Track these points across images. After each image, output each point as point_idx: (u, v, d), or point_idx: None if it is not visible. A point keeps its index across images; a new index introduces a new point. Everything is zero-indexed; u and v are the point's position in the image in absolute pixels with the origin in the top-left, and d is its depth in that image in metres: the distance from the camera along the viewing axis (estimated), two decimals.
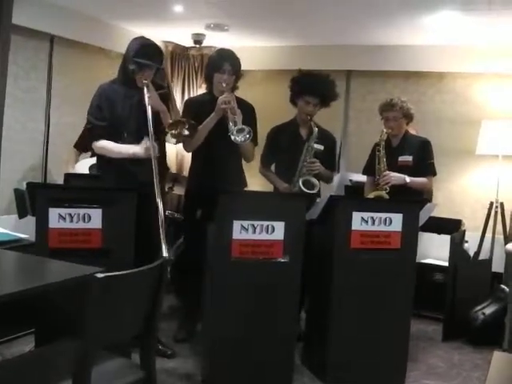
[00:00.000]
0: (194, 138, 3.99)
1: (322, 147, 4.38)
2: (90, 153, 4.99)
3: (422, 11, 4.55)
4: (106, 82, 3.87)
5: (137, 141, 3.66)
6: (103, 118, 3.72)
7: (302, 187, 4.18)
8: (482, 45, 5.40)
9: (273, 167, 4.58)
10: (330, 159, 4.50)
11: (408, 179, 4.26)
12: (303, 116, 4.39)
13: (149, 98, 3.62)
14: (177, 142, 3.86)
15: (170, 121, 3.72)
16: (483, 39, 5.26)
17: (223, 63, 4.06)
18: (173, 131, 3.69)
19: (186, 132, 3.71)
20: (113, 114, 3.71)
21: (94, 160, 4.68)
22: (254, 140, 4.21)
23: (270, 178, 4.55)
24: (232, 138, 3.87)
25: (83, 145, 4.99)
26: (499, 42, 5.25)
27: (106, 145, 3.71)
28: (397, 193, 4.21)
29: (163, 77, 4.09)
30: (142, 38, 3.87)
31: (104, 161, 3.81)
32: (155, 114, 3.66)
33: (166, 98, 3.92)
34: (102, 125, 3.71)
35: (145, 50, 3.70)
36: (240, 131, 3.89)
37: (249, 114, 4.15)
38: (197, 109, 4.03)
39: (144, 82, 3.66)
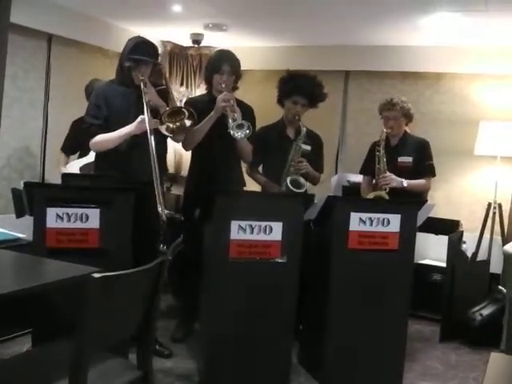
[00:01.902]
0: (194, 133, 4.00)
1: (309, 148, 4.38)
2: (77, 154, 4.99)
3: (420, 12, 4.56)
4: (103, 82, 3.87)
5: (135, 140, 3.65)
6: (100, 116, 3.72)
7: (290, 186, 4.18)
8: (480, 45, 5.41)
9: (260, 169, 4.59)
10: (317, 160, 4.50)
11: (405, 183, 4.27)
12: (290, 116, 4.40)
13: (146, 94, 3.63)
14: (177, 133, 3.77)
15: (167, 109, 3.67)
16: (481, 40, 5.27)
17: (222, 64, 4.07)
18: (172, 124, 3.66)
19: (188, 122, 3.68)
20: (111, 112, 3.71)
21: (84, 161, 4.68)
22: (252, 141, 4.21)
23: (257, 179, 4.54)
24: (231, 133, 3.87)
25: (70, 147, 4.99)
26: (497, 42, 5.26)
27: (100, 138, 3.71)
28: (395, 194, 4.22)
29: (161, 75, 4.08)
30: (138, 36, 3.89)
31: (102, 161, 3.81)
32: (154, 111, 3.65)
33: (165, 94, 3.92)
34: (98, 123, 3.71)
35: (139, 46, 3.73)
36: (239, 127, 3.89)
37: (248, 115, 4.16)
38: (197, 109, 4.02)
39: (141, 78, 3.66)
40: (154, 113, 3.65)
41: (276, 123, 4.55)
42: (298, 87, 4.34)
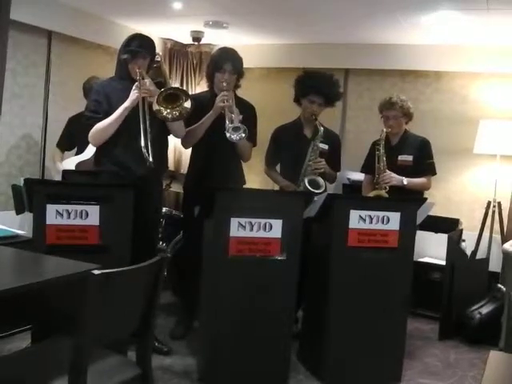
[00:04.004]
0: (193, 131, 4.00)
1: (326, 147, 4.39)
2: (73, 151, 4.99)
3: (421, 10, 4.55)
4: (103, 79, 3.87)
5: (134, 134, 3.66)
6: (100, 111, 3.71)
7: (308, 186, 4.17)
8: (480, 44, 5.40)
9: (278, 168, 4.59)
10: (334, 159, 4.50)
11: (405, 181, 4.26)
12: (307, 115, 4.40)
13: (143, 85, 3.63)
14: (179, 119, 3.78)
15: (165, 88, 3.65)
16: (481, 39, 5.26)
17: (224, 63, 4.08)
18: (171, 109, 3.65)
19: (187, 104, 3.66)
20: (111, 108, 3.70)
21: (80, 158, 4.68)
22: (253, 140, 4.22)
23: (274, 179, 4.55)
24: (227, 135, 3.89)
25: (65, 143, 5.00)
26: (497, 41, 5.25)
27: (98, 125, 3.69)
28: (395, 192, 4.22)
29: (160, 73, 4.07)
30: (135, 33, 3.89)
31: (102, 156, 3.80)
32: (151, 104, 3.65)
33: (163, 87, 3.92)
34: (98, 117, 3.69)
35: (136, 39, 3.75)
36: (235, 129, 3.91)
37: (249, 114, 4.17)
38: (197, 106, 4.02)
39: (138, 70, 3.67)
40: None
41: (293, 122, 4.56)
42: (315, 86, 4.35)
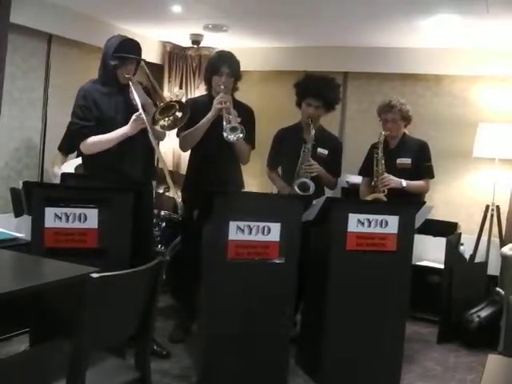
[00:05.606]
0: (191, 134, 4.02)
1: (326, 151, 4.38)
2: (75, 153, 4.99)
3: (420, 14, 4.55)
4: (87, 83, 3.85)
5: (124, 140, 3.66)
6: (91, 117, 3.69)
7: (297, 189, 4.17)
8: (480, 47, 5.40)
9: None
10: (333, 164, 4.49)
11: (405, 183, 4.27)
12: (305, 119, 4.40)
13: (136, 91, 3.63)
14: (173, 128, 3.80)
15: (162, 104, 3.66)
16: (481, 41, 5.26)
17: (221, 66, 4.08)
18: (166, 119, 3.66)
19: (179, 113, 3.67)
20: (100, 113, 3.70)
21: (79, 160, 4.68)
22: (251, 143, 4.22)
23: (273, 181, 4.56)
24: (224, 135, 3.90)
25: (67, 147, 4.99)
26: (497, 44, 5.25)
27: (95, 140, 3.67)
28: (394, 195, 4.22)
29: (143, 72, 4.06)
30: (119, 35, 3.87)
31: (90, 162, 3.79)
32: (142, 109, 3.65)
33: (150, 92, 3.93)
34: (90, 125, 3.68)
35: (124, 44, 3.72)
36: (233, 130, 3.91)
37: (248, 117, 4.17)
38: (195, 109, 4.03)
39: (127, 76, 3.67)
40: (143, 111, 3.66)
41: (295, 125, 4.56)
42: (311, 89, 4.35)
